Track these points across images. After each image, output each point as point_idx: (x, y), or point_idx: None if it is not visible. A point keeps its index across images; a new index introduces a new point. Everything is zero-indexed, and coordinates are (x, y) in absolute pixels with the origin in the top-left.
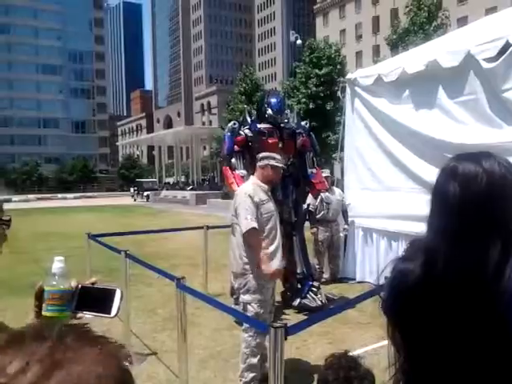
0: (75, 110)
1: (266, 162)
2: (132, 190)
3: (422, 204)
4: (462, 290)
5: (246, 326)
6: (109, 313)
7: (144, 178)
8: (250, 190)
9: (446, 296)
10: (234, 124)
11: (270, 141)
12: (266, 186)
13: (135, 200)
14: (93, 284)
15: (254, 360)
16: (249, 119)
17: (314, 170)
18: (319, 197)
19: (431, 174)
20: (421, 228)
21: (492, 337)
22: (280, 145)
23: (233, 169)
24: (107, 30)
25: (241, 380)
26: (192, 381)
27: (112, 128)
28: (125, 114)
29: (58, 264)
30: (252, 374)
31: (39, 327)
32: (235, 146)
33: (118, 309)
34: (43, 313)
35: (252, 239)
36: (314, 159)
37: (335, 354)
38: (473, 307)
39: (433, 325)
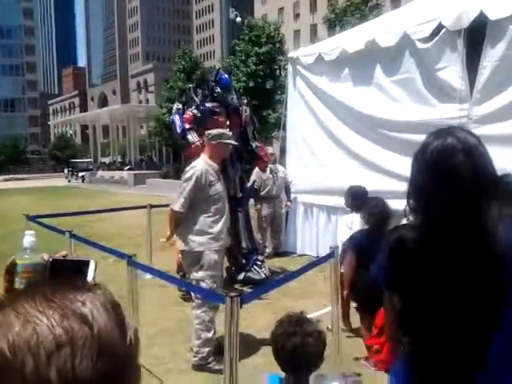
0: (3, 88)
1: (217, 139)
2: (66, 170)
3: (360, 180)
4: (457, 248)
5: (198, 302)
6: None
7: (78, 158)
8: (199, 170)
9: (442, 254)
10: (178, 105)
11: (220, 119)
12: (216, 166)
13: (70, 181)
14: (64, 257)
15: (209, 334)
16: (196, 99)
17: (258, 143)
18: (268, 169)
19: (368, 150)
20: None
21: (486, 289)
22: (227, 122)
23: (190, 145)
24: (36, 2)
25: (196, 356)
26: (141, 357)
27: (43, 107)
28: (56, 92)
29: (29, 238)
30: (208, 349)
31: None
32: (185, 124)
33: (93, 279)
34: (17, 286)
35: (172, 219)
36: (255, 133)
37: (289, 313)
38: (468, 262)
39: (433, 280)
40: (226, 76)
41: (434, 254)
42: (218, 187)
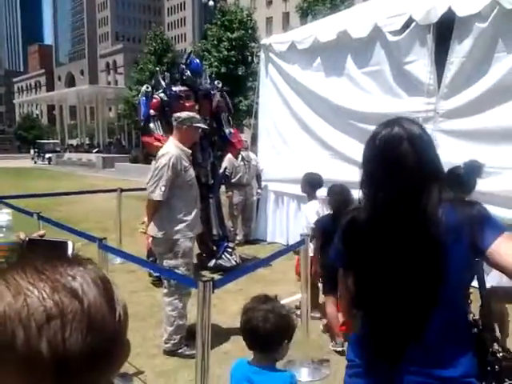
0: None
1: (188, 122)
2: (32, 151)
3: (331, 169)
4: (399, 231)
5: (171, 289)
6: None
7: (44, 139)
8: (174, 156)
9: (387, 236)
10: (147, 88)
11: (187, 104)
12: (188, 151)
13: (35, 162)
14: (41, 236)
15: (182, 321)
16: (163, 83)
17: (232, 130)
18: (240, 156)
19: (339, 140)
20: (325, 191)
21: (425, 268)
22: (196, 107)
23: (151, 134)
24: None
25: (168, 342)
26: None
27: (7, 84)
28: (21, 70)
29: (4, 217)
30: (180, 335)
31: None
32: (151, 111)
33: None
34: None
35: (153, 210)
36: (230, 119)
37: (257, 295)
38: (409, 243)
39: (379, 260)
40: (197, 61)
41: (379, 235)
42: (192, 173)
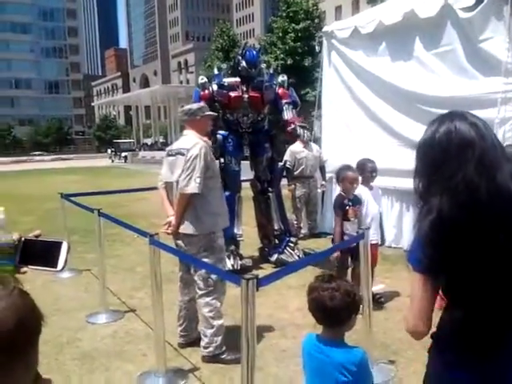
0: (48, 70)
1: (201, 113)
2: (109, 151)
3: (398, 158)
4: (495, 218)
5: (209, 288)
6: (55, 266)
7: (121, 139)
8: (204, 147)
9: (484, 227)
10: (202, 79)
11: (232, 94)
12: (209, 142)
13: (113, 161)
14: (37, 237)
15: (221, 321)
16: (216, 71)
17: (290, 114)
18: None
19: (408, 127)
20: (398, 181)
21: None
22: (245, 99)
23: None
24: None
25: (209, 346)
26: (170, 335)
27: (87, 88)
28: (99, 74)
29: None
30: (221, 337)
31: None
32: (201, 101)
33: (65, 262)
34: None
35: (188, 203)
36: (294, 111)
37: (319, 275)
38: (507, 232)
39: (478, 255)
40: (254, 52)
41: (473, 230)
42: (216, 162)
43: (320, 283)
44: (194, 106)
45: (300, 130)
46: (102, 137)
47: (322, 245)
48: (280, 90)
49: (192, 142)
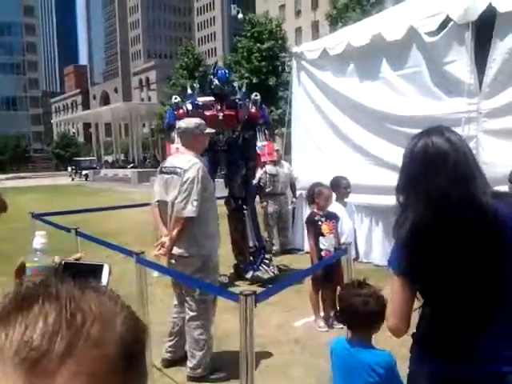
0: (5, 86)
1: (199, 131)
2: (70, 169)
3: (367, 175)
4: (463, 228)
5: (201, 311)
6: None
7: (81, 156)
8: (201, 168)
9: (453, 235)
10: (176, 98)
11: (207, 113)
12: (204, 160)
13: (73, 179)
14: (77, 260)
15: (210, 342)
16: (189, 91)
17: (265, 143)
18: (264, 168)
19: (376, 145)
20: (367, 198)
21: (492, 259)
22: (220, 117)
23: (172, 142)
24: None
25: (197, 368)
26: (154, 357)
27: (45, 105)
28: (58, 91)
29: (39, 239)
30: (209, 358)
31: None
32: (176, 120)
33: (107, 284)
34: None
35: (183, 227)
36: (266, 132)
37: (350, 281)
38: (476, 239)
39: (450, 260)
40: (224, 70)
41: (445, 237)
42: (212, 183)
43: (352, 289)
44: (192, 122)
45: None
46: (62, 154)
47: (294, 260)
48: (253, 109)
49: (189, 162)
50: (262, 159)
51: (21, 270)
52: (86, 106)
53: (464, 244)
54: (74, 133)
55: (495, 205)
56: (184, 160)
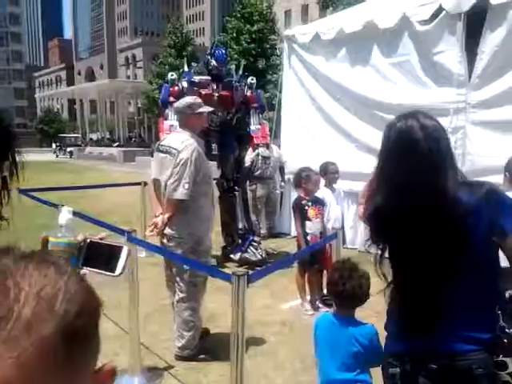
0: None
1: (201, 109)
2: (54, 145)
3: (355, 161)
4: (423, 212)
5: (189, 294)
6: (113, 271)
7: (65, 133)
8: (196, 150)
9: (413, 216)
10: (172, 75)
11: (202, 92)
12: (202, 140)
13: (57, 156)
14: (101, 239)
15: (198, 323)
16: (186, 68)
17: (259, 126)
18: (256, 150)
19: (365, 132)
20: (354, 184)
21: (449, 238)
22: (215, 97)
23: (165, 119)
24: None
25: (185, 349)
26: (141, 335)
27: (29, 79)
28: (42, 65)
29: (65, 215)
30: (197, 338)
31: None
32: (170, 97)
33: (123, 268)
34: None
35: (177, 208)
36: (260, 115)
37: (339, 260)
38: (435, 223)
39: (406, 238)
40: (223, 50)
41: (401, 219)
42: (209, 165)
43: (342, 272)
44: (189, 99)
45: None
46: (45, 130)
47: (281, 244)
48: (249, 93)
49: (184, 142)
50: (256, 141)
51: (44, 244)
52: (70, 81)
53: (422, 229)
54: (58, 109)
55: (461, 193)
56: (179, 140)
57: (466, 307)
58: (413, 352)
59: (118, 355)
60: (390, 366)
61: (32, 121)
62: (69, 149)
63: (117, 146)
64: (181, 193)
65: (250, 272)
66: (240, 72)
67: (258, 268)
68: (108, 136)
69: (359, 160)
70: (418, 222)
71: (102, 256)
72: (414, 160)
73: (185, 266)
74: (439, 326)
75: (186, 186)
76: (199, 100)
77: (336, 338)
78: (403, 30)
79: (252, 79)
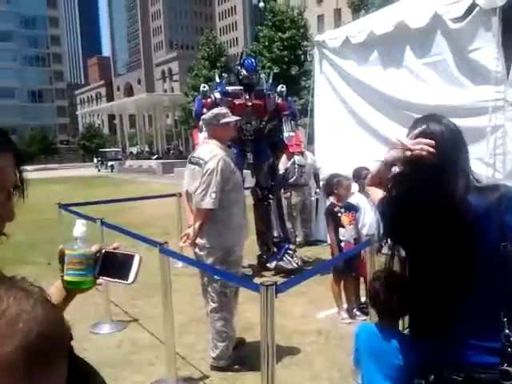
0: (31, 79)
1: (227, 119)
2: (96, 160)
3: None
4: (432, 216)
5: (220, 304)
6: (126, 279)
7: (106, 147)
8: (222, 160)
9: (423, 219)
10: (204, 87)
11: (236, 102)
12: (230, 150)
13: (99, 170)
14: (115, 249)
15: (232, 334)
16: (217, 79)
17: (292, 133)
18: (292, 159)
19: (399, 135)
20: None
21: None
22: (249, 106)
23: (200, 130)
24: None
25: (219, 359)
26: (177, 345)
27: (70, 97)
28: (83, 83)
29: (80, 228)
30: (231, 348)
31: None
32: (204, 109)
33: (136, 275)
34: (64, 277)
35: (203, 218)
36: (293, 122)
37: (379, 269)
38: (444, 227)
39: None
40: (251, 60)
41: (415, 221)
42: (238, 176)
43: (380, 277)
44: (215, 110)
45: (296, 158)
46: (87, 146)
47: (317, 252)
48: (279, 101)
49: (210, 152)
50: (291, 150)
51: (60, 256)
52: (110, 97)
53: (432, 233)
54: (99, 124)
55: (471, 197)
56: (207, 151)
57: (477, 314)
58: (435, 363)
59: (153, 365)
60: (415, 377)
61: (74, 137)
62: (110, 163)
63: (156, 159)
64: (208, 202)
65: (281, 282)
66: (270, 80)
67: (293, 276)
68: (147, 149)
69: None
70: (427, 225)
71: (116, 265)
72: (422, 167)
73: (215, 276)
74: (450, 332)
75: (213, 195)
76: (225, 110)
77: (378, 349)
78: (436, 28)
79: (282, 87)
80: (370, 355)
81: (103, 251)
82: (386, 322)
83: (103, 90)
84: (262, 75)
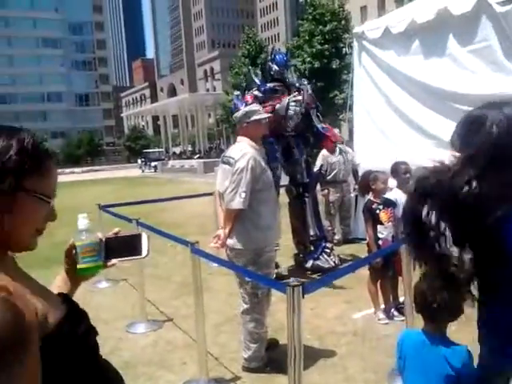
0: (78, 83)
1: (257, 116)
2: (140, 161)
3: (432, 159)
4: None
5: (252, 305)
6: (140, 254)
7: (150, 148)
8: (252, 158)
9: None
10: (237, 93)
11: (283, 98)
12: (262, 149)
13: (143, 171)
14: (116, 234)
15: (264, 335)
16: (257, 80)
17: (324, 125)
18: (337, 149)
19: (442, 127)
20: None
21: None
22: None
23: None
24: None
25: (252, 360)
26: (210, 344)
27: (115, 99)
28: (128, 85)
29: (83, 221)
30: (264, 349)
31: None
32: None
33: (148, 249)
34: (79, 266)
35: (233, 218)
36: (319, 115)
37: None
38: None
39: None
40: (281, 55)
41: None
42: (269, 175)
43: (432, 282)
44: (246, 108)
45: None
46: (132, 147)
47: (356, 250)
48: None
49: (241, 151)
50: (333, 139)
51: (70, 250)
52: (154, 98)
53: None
54: (143, 125)
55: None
56: (237, 149)
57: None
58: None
59: (185, 364)
60: None
61: (120, 138)
62: (153, 163)
63: (198, 158)
64: (238, 202)
65: (307, 282)
66: (294, 76)
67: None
68: (190, 148)
69: (438, 157)
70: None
71: (123, 245)
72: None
73: (246, 278)
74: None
75: (243, 194)
76: (257, 107)
77: (425, 357)
78: (480, 13)
79: (304, 81)
80: (415, 364)
81: (104, 238)
82: (433, 326)
83: (147, 92)
84: (291, 68)
